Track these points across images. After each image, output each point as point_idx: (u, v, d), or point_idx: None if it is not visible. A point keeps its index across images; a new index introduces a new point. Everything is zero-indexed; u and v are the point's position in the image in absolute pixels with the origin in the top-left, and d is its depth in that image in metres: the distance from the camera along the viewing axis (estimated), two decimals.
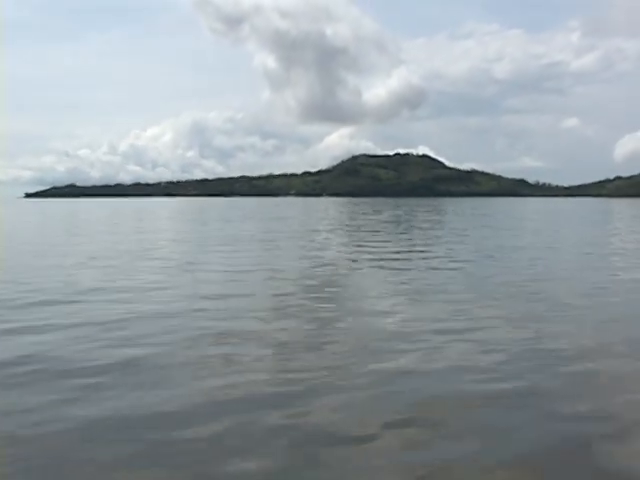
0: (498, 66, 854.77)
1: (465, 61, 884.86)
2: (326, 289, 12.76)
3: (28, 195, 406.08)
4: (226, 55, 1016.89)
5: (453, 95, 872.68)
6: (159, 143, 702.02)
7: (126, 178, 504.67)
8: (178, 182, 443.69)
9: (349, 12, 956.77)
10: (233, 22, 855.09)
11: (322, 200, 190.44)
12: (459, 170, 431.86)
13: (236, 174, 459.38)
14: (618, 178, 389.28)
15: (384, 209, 75.39)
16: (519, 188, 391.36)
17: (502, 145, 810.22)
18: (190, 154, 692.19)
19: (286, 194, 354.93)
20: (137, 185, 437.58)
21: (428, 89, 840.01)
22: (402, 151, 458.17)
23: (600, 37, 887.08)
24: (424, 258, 18.41)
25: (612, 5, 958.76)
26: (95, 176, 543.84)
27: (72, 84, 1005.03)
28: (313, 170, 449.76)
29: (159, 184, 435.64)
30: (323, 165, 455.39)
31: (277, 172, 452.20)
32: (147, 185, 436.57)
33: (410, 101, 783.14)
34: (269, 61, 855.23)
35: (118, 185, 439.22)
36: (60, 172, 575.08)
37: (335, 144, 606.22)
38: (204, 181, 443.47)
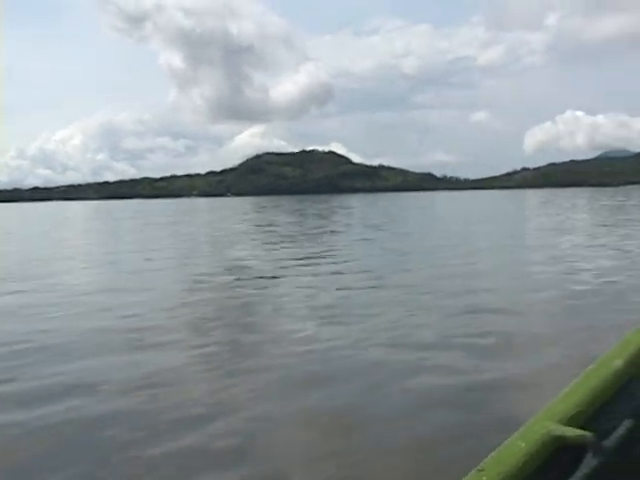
0: (405, 62, 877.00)
1: (372, 57, 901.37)
2: None
3: None
4: (131, 54, 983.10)
5: (361, 91, 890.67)
6: (68, 146, 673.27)
7: (35, 182, 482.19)
8: (79, 185, 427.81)
9: (253, 9, 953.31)
10: (135, 21, 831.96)
11: (206, 202, 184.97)
12: (365, 166, 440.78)
13: (144, 176, 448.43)
14: (525, 169, 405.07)
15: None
16: (426, 183, 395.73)
17: (413, 140, 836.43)
18: (100, 157, 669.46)
19: (189, 195, 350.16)
20: (35, 189, 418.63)
21: (336, 86, 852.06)
22: (308, 148, 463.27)
23: (503, 31, 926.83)
24: None
25: None
26: (3, 180, 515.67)
27: None
28: (218, 170, 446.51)
29: (58, 188, 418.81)
30: (236, 164, 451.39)
31: (187, 172, 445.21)
32: (46, 189, 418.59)
33: (318, 98, 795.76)
34: (175, 60, 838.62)
35: (16, 190, 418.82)
36: None
37: (247, 143, 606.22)
38: (106, 184, 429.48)
